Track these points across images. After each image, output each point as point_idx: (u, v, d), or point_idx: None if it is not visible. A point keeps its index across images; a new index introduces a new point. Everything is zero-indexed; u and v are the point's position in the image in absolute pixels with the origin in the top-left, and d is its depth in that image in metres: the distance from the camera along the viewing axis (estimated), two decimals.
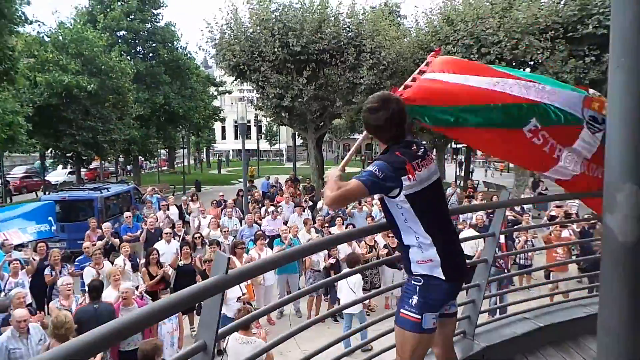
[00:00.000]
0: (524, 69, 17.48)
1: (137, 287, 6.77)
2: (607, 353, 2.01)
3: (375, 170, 2.01)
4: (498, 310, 5.10)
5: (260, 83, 17.89)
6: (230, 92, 37.91)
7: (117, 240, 9.70)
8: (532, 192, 17.04)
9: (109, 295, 6.43)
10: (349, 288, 6.90)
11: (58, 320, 4.53)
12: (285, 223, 11.57)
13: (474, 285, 3.21)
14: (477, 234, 8.38)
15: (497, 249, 3.28)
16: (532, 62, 16.90)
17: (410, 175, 2.04)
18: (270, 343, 2.00)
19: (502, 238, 7.90)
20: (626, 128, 1.98)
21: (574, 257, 9.93)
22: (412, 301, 2.10)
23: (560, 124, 2.69)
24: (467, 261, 2.65)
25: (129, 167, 35.66)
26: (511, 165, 28.67)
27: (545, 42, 15.41)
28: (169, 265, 7.76)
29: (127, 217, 10.92)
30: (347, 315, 7.13)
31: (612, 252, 2.06)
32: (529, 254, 9.45)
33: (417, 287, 2.10)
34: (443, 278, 2.07)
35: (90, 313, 5.32)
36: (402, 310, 2.12)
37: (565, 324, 3.70)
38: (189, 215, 13.00)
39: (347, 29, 17.61)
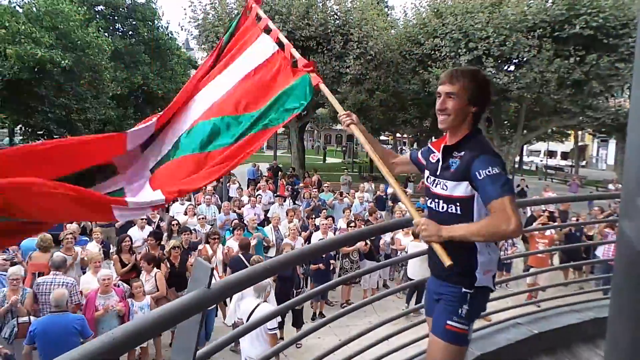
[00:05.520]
0: (509, 66, 17.48)
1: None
2: None
3: (504, 174, 1.76)
4: None
5: None
6: None
7: (90, 224, 9.26)
8: None
9: (87, 281, 6.06)
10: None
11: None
12: (266, 212, 11.31)
13: None
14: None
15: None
16: (517, 60, 16.91)
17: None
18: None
19: None
20: None
21: (556, 257, 9.99)
22: (462, 311, 1.87)
23: None
24: None
25: None
26: None
27: (533, 40, 15.39)
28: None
29: None
30: None
31: (627, 261, 1.90)
32: (509, 251, 9.39)
33: (469, 295, 1.88)
34: (494, 289, 1.97)
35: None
36: (449, 322, 1.89)
37: (558, 330, 3.57)
38: None
39: (335, 16, 17.24)
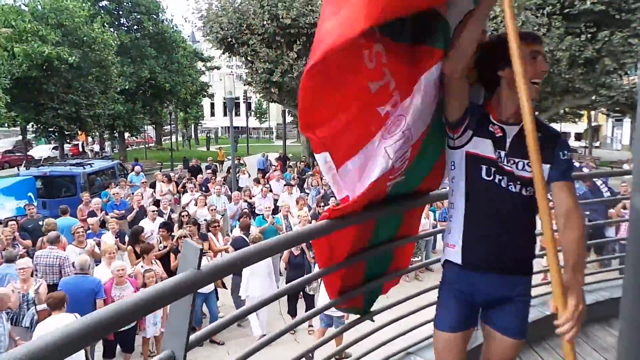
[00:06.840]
0: None
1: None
2: (630, 346, 1.82)
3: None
4: None
5: (249, 57, 17.31)
6: (218, 68, 36.94)
7: (108, 217, 9.39)
8: None
9: (101, 272, 6.13)
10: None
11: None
12: (276, 201, 11.33)
13: None
14: None
15: None
16: None
17: None
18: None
19: None
20: None
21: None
22: None
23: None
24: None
25: (92, 148, 34.71)
26: None
27: (542, 18, 15.04)
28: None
29: (114, 194, 10.50)
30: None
31: (639, 237, 1.84)
32: None
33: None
34: None
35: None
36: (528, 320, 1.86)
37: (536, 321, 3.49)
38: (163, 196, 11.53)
39: None
